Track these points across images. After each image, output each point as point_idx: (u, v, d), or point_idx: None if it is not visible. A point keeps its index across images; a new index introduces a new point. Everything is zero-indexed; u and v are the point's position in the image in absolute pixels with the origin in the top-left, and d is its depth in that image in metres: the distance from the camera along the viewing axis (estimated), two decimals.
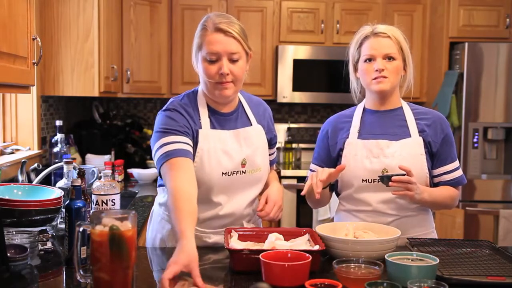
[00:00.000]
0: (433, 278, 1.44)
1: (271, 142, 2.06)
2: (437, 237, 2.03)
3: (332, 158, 2.05)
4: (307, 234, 1.78)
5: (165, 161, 1.74)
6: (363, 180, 1.95)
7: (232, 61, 1.80)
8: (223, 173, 1.85)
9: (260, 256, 1.50)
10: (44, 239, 1.89)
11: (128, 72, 3.91)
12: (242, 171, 1.89)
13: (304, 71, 4.31)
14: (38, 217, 1.84)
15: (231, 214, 1.91)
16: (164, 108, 1.88)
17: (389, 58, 1.95)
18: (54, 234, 2.02)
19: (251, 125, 1.96)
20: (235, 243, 1.70)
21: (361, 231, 1.82)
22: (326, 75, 4.37)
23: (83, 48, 3.22)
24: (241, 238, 1.76)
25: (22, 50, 1.77)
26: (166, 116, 1.83)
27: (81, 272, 1.42)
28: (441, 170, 1.99)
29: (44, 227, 1.97)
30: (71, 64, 3.23)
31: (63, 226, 1.95)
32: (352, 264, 1.50)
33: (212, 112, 1.90)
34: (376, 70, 1.94)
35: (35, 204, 1.83)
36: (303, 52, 4.31)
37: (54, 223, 2.05)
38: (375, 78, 1.95)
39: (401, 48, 1.97)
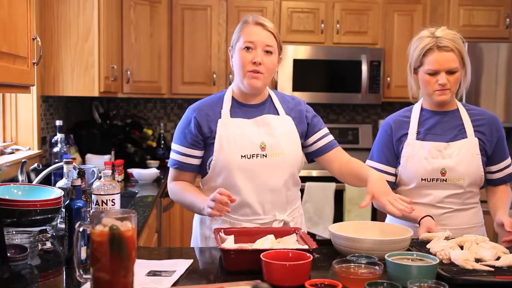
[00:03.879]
0: (433, 278, 1.44)
1: (312, 131, 2.07)
2: (485, 233, 2.10)
3: (395, 155, 2.13)
4: (295, 234, 1.80)
5: (173, 167, 2.04)
6: (422, 179, 2.06)
7: (267, 52, 1.94)
8: (242, 155, 1.93)
9: (261, 255, 1.50)
10: (44, 239, 1.89)
11: (128, 72, 3.91)
12: (263, 155, 1.95)
13: (304, 71, 4.31)
14: (38, 217, 1.84)
15: (258, 200, 1.95)
16: (186, 112, 2.04)
17: (452, 72, 2.03)
18: (54, 234, 2.02)
19: (278, 115, 2.03)
20: (228, 244, 1.71)
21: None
22: (326, 75, 4.36)
23: (83, 48, 3.22)
24: (236, 239, 1.77)
25: (22, 50, 1.77)
26: (182, 125, 2.02)
27: (81, 272, 1.42)
28: (493, 168, 2.12)
29: (44, 227, 1.97)
30: (71, 64, 3.23)
31: (63, 226, 1.95)
32: (352, 264, 1.50)
33: (237, 103, 2.01)
34: (439, 84, 2.03)
35: (35, 204, 1.83)
36: (303, 52, 4.30)
37: (54, 223, 2.05)
38: (437, 90, 2.04)
39: (462, 57, 2.06)
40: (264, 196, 1.96)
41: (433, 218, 1.98)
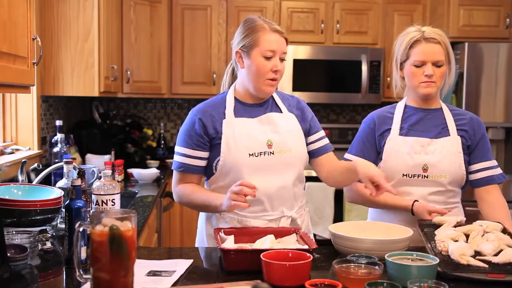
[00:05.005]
0: (433, 278, 1.44)
1: (310, 131, 2.08)
2: None
3: (376, 151, 2.12)
4: (295, 234, 1.80)
5: (178, 170, 2.02)
6: (403, 174, 2.06)
7: (281, 60, 1.97)
8: (250, 154, 1.95)
9: (261, 255, 1.50)
10: (44, 239, 1.89)
11: (128, 72, 3.91)
12: (270, 152, 1.98)
13: (304, 71, 4.31)
14: (38, 217, 1.84)
15: (266, 196, 1.97)
16: (189, 115, 2.03)
17: (438, 65, 2.04)
18: (54, 234, 2.02)
19: (281, 112, 2.05)
20: (228, 244, 1.71)
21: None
22: (326, 75, 4.36)
23: (83, 48, 3.22)
24: (236, 238, 1.77)
25: (22, 50, 1.77)
26: (186, 128, 2.01)
27: (81, 272, 1.42)
28: (476, 166, 2.10)
29: (44, 227, 1.97)
30: (71, 64, 3.23)
31: (63, 226, 1.95)
32: (352, 264, 1.50)
33: (239, 103, 2.02)
34: (426, 75, 2.03)
35: (35, 204, 1.83)
36: (303, 52, 4.31)
37: (54, 223, 2.05)
38: (423, 82, 2.04)
39: (448, 52, 2.07)
40: (272, 193, 1.97)
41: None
